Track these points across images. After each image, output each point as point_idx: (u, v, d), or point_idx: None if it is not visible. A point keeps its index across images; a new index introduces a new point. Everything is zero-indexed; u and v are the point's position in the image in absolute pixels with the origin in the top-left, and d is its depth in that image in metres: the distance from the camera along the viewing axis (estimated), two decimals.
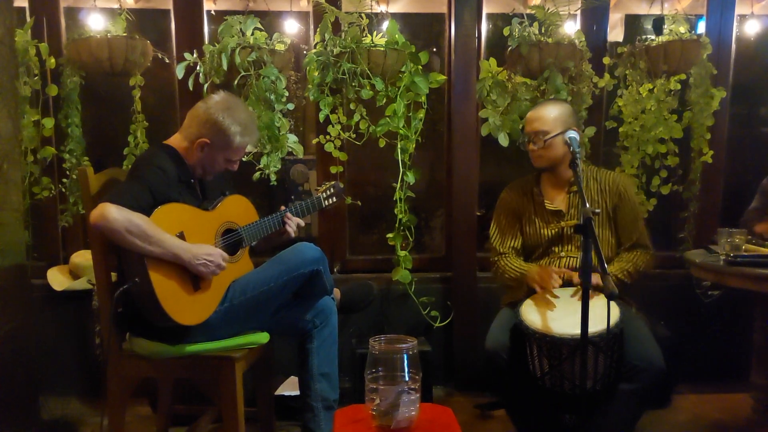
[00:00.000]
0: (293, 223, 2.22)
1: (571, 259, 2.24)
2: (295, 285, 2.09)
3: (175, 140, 2.06)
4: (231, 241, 2.06)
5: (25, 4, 2.84)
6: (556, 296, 2.09)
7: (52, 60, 2.77)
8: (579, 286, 2.07)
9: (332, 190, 2.35)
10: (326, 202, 2.33)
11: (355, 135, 2.78)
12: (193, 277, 1.91)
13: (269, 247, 2.28)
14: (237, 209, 2.13)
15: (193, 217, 1.97)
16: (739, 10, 3.08)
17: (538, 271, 2.18)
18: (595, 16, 2.99)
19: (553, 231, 2.27)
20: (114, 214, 1.74)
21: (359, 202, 2.95)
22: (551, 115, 2.20)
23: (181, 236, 1.89)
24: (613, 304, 1.96)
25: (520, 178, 2.43)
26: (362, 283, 2.45)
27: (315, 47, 2.73)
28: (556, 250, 2.27)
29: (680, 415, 2.73)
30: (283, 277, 2.05)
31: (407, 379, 1.69)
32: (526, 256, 2.36)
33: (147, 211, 1.81)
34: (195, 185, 2.07)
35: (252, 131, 2.10)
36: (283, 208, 2.23)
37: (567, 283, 2.16)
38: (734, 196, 2.74)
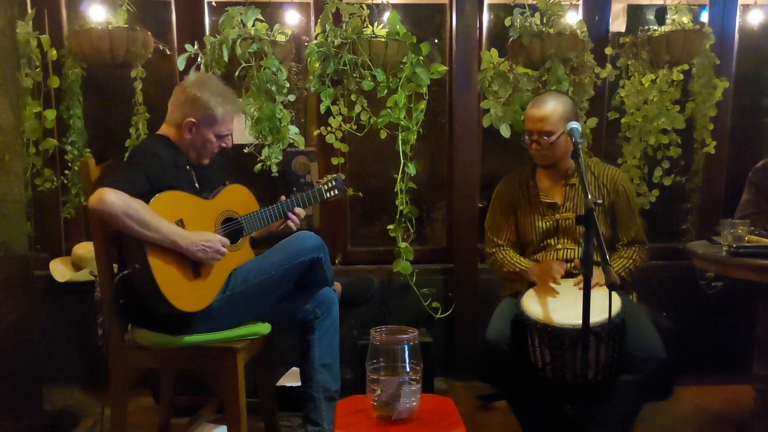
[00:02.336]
0: (296, 217, 2.22)
1: (568, 251, 2.24)
2: (297, 273, 2.09)
3: (164, 129, 2.07)
4: (231, 230, 2.06)
5: None
6: (558, 285, 2.09)
7: (54, 51, 2.76)
8: (579, 276, 2.07)
9: (333, 183, 2.35)
10: (327, 194, 2.33)
11: (356, 126, 2.78)
12: (193, 264, 1.91)
13: (270, 237, 2.28)
14: (237, 198, 2.13)
15: (193, 204, 1.97)
16: None
17: (539, 267, 2.18)
18: (597, 6, 2.97)
19: (547, 223, 2.26)
20: (112, 198, 1.74)
21: (360, 194, 2.95)
22: (555, 114, 2.14)
23: (180, 223, 1.89)
24: (614, 294, 1.96)
25: (515, 170, 2.42)
26: (363, 277, 2.45)
27: (316, 38, 2.72)
28: (552, 242, 2.26)
29: (682, 406, 2.73)
30: (284, 265, 2.05)
31: (408, 369, 1.69)
32: (521, 250, 2.35)
33: (144, 198, 1.82)
34: (191, 172, 2.08)
35: (232, 99, 2.09)
36: (283, 198, 2.22)
37: (567, 274, 2.16)
38: (737, 187, 2.73)
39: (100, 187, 1.78)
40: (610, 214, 2.27)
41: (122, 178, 1.83)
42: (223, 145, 2.10)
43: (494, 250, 2.35)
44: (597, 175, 2.28)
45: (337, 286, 2.31)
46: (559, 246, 2.24)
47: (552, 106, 2.17)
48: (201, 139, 2.04)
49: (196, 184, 2.09)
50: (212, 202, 2.04)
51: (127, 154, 2.79)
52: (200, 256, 1.90)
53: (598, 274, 1.98)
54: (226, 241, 1.98)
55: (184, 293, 1.88)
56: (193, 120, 2.01)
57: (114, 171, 1.93)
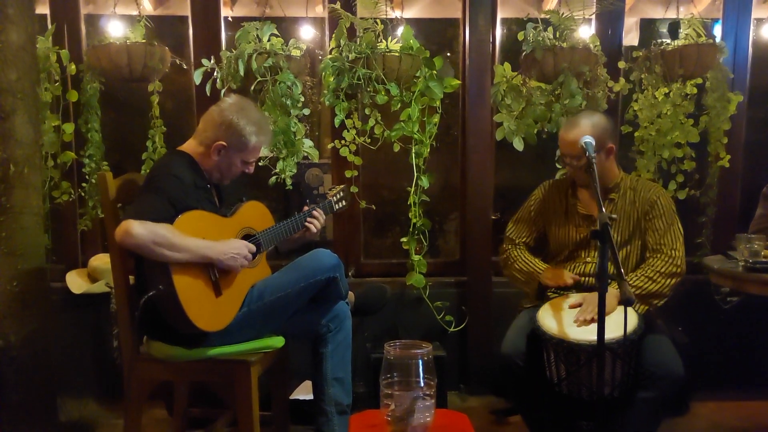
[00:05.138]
0: (316, 221, 2.22)
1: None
2: (312, 291, 2.10)
3: (190, 146, 2.07)
4: None
5: (47, 12, 2.89)
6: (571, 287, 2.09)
7: (73, 66, 2.81)
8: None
9: (341, 194, 2.37)
10: (337, 206, 2.35)
11: (369, 140, 2.80)
12: (214, 283, 1.92)
13: (296, 247, 2.30)
14: (254, 215, 2.15)
15: (213, 223, 1.98)
16: (755, 13, 3.05)
17: (551, 270, 2.18)
18: (610, 20, 2.97)
19: (581, 235, 2.25)
20: (138, 229, 1.75)
21: (373, 206, 2.95)
22: (595, 133, 2.06)
23: None
24: (632, 310, 1.95)
25: (557, 179, 2.41)
26: (376, 286, 2.46)
27: (330, 53, 2.75)
28: (583, 254, 2.24)
29: (699, 422, 2.70)
30: (300, 283, 2.06)
31: (422, 384, 1.68)
32: (552, 258, 2.34)
33: (169, 222, 1.82)
34: (212, 191, 2.09)
35: (266, 131, 2.11)
36: (306, 208, 2.24)
37: (585, 288, 2.15)
38: (752, 200, 2.71)
39: (124, 219, 1.78)
40: (643, 227, 2.20)
41: (146, 206, 1.83)
42: (246, 170, 2.11)
43: (509, 247, 2.35)
44: (637, 189, 2.23)
45: (351, 296, 2.32)
46: (589, 259, 2.22)
47: (590, 125, 2.10)
48: (227, 163, 2.05)
49: (216, 202, 2.10)
50: (231, 220, 2.05)
51: (144, 167, 2.84)
52: (230, 264, 1.92)
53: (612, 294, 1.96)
54: (252, 247, 1.99)
55: (207, 314, 1.89)
56: (225, 144, 2.01)
57: (137, 198, 1.92)
